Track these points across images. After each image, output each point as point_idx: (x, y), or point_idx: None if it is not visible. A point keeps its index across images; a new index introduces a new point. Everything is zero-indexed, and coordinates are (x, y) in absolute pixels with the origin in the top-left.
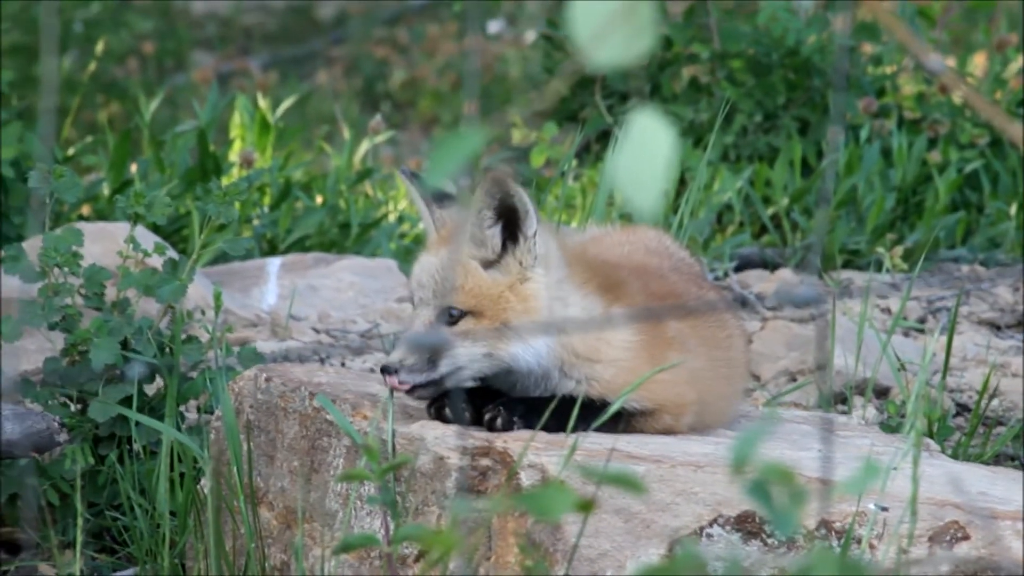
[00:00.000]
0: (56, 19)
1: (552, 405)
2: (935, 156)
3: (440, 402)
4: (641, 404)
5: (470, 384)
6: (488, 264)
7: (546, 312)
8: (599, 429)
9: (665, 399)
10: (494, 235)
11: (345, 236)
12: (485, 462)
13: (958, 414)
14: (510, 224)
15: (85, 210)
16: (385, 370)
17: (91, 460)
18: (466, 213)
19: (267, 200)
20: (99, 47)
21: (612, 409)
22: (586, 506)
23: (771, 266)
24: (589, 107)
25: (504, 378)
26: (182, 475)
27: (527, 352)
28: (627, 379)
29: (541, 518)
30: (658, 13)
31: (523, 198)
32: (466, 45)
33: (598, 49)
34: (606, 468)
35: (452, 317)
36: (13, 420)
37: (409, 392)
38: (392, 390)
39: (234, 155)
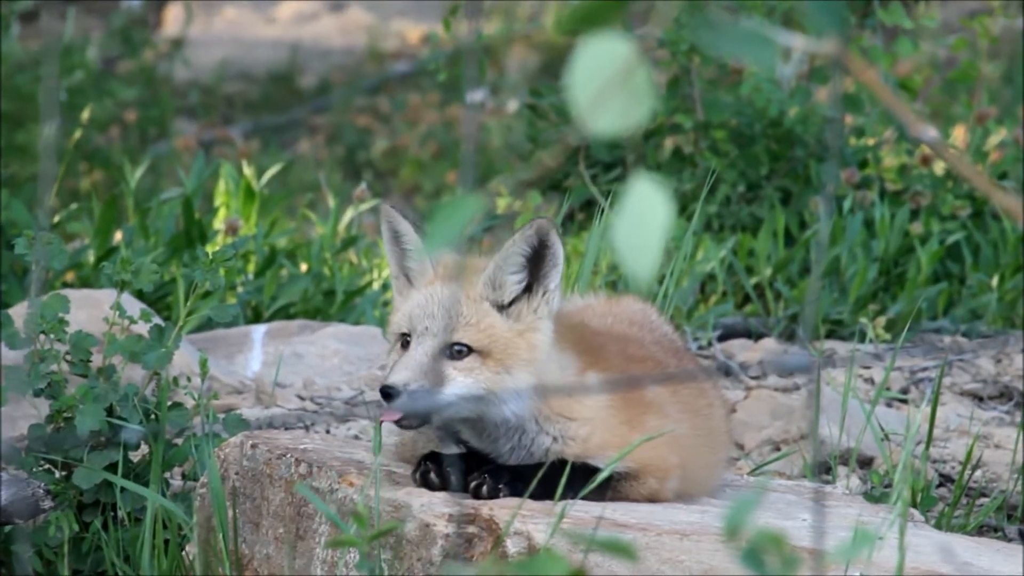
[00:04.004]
0: (56, 85)
1: (540, 473)
2: (917, 227)
3: (425, 468)
4: (624, 466)
5: (454, 450)
6: (498, 307)
7: (543, 365)
8: (585, 496)
9: (648, 461)
10: (515, 281)
11: (330, 303)
12: (471, 529)
13: (941, 484)
14: (533, 272)
15: (69, 277)
16: (387, 393)
17: (76, 527)
18: (478, 255)
19: (252, 267)
20: (85, 115)
21: (601, 476)
22: (578, 573)
23: (755, 336)
24: (573, 176)
25: (477, 426)
26: (166, 542)
27: (515, 401)
28: (603, 437)
29: None
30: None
31: (559, 249)
32: (448, 114)
33: (597, 116)
34: (595, 535)
35: (459, 352)
36: (8, 486)
37: (397, 421)
38: (380, 423)
39: (219, 222)
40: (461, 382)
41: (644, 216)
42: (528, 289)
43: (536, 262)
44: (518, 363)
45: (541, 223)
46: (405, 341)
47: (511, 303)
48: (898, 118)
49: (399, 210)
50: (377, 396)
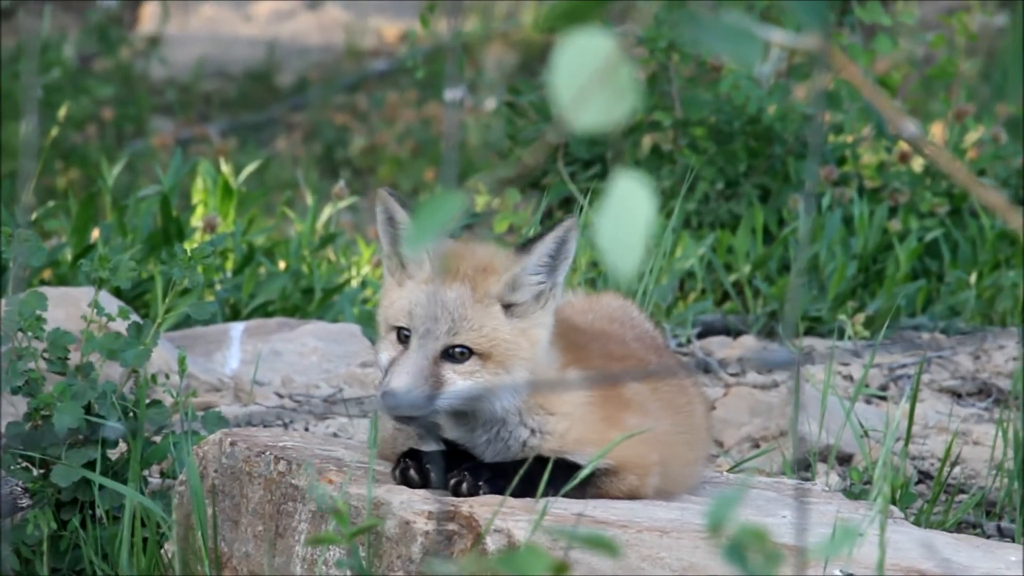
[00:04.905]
0: (35, 83)
1: (522, 471)
2: (895, 225)
3: (405, 465)
4: (604, 463)
5: (434, 447)
6: (508, 306)
7: (541, 358)
8: (564, 493)
9: (627, 457)
10: (536, 282)
11: (308, 301)
12: (451, 527)
13: (920, 481)
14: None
15: (46, 274)
16: (388, 401)
17: (54, 525)
18: (479, 252)
19: (230, 265)
20: (62, 112)
21: (582, 474)
22: (562, 568)
23: (734, 333)
24: (552, 174)
25: (459, 417)
26: (145, 540)
27: (509, 398)
28: (580, 433)
29: None
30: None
31: (574, 246)
32: (426, 112)
33: (580, 112)
34: (577, 531)
35: (460, 355)
36: None
37: (397, 418)
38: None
39: (197, 220)
40: (461, 385)
41: (627, 212)
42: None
43: (556, 261)
44: (517, 362)
45: (571, 223)
46: (403, 336)
47: (523, 301)
48: (879, 113)
49: (395, 196)
50: (356, 393)
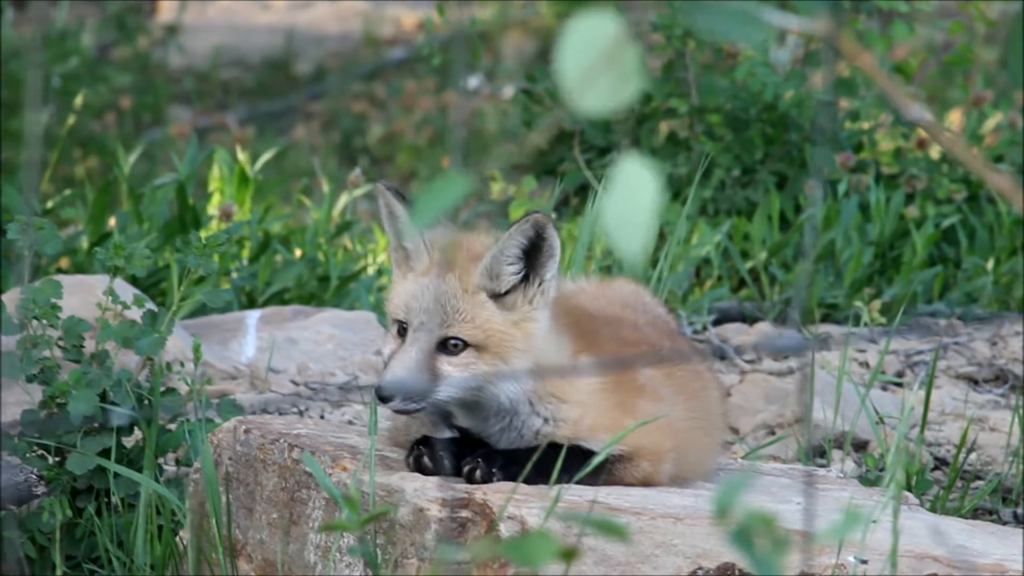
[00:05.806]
0: (39, 72)
1: (535, 457)
2: (912, 211)
3: (418, 452)
4: (618, 449)
5: (447, 434)
6: (493, 297)
7: (539, 350)
8: (578, 480)
9: (641, 444)
10: (512, 272)
11: (324, 289)
12: (464, 514)
13: (936, 468)
14: (529, 263)
15: (63, 262)
16: (381, 397)
17: (69, 513)
18: (474, 243)
19: (246, 253)
20: (78, 101)
21: (596, 461)
22: (569, 554)
23: (750, 320)
24: (567, 161)
25: (470, 407)
26: (160, 528)
27: (513, 389)
28: (594, 420)
29: (524, 566)
30: (643, 62)
31: (556, 242)
32: (444, 100)
33: (585, 95)
34: (590, 518)
35: (454, 347)
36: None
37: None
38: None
39: (213, 208)
40: (457, 377)
41: (633, 195)
42: (524, 279)
43: (533, 254)
44: (514, 353)
45: (537, 217)
46: (401, 329)
47: (507, 292)
48: (892, 100)
49: (392, 189)
50: (371, 380)
